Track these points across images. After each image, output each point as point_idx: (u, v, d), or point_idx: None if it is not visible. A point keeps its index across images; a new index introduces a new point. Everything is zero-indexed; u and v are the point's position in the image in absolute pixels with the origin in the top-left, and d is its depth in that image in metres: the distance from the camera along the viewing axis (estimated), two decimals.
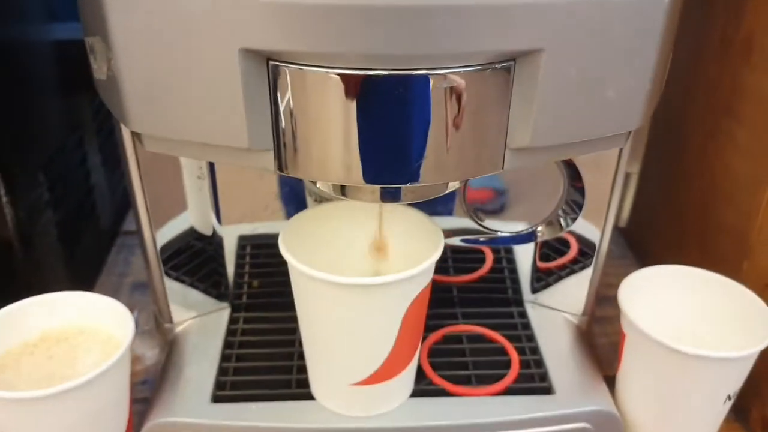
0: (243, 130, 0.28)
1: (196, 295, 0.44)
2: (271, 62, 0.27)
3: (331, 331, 0.34)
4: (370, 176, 0.29)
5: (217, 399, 0.38)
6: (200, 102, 0.27)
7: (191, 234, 0.42)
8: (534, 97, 0.28)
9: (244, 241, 0.44)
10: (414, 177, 0.29)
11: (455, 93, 0.27)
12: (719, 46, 0.46)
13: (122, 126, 0.36)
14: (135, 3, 0.26)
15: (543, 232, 0.43)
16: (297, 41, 0.26)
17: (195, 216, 0.42)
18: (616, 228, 0.58)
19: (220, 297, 0.45)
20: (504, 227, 0.43)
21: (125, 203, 0.62)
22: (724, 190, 0.46)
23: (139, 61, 0.27)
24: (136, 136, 0.31)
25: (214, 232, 0.43)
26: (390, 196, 0.32)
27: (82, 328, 0.39)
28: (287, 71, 0.27)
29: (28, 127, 0.44)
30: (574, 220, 0.42)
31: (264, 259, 0.44)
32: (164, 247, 0.41)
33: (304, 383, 0.39)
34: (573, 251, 0.44)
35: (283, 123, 0.28)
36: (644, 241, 0.57)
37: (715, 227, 0.47)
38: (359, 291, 0.33)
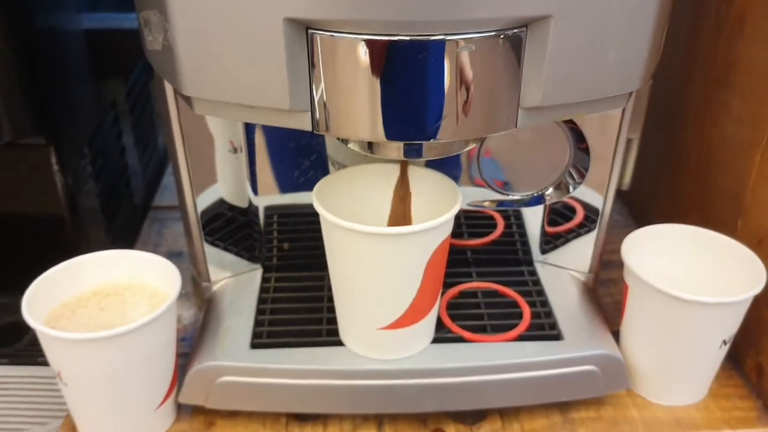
0: (285, 92, 0.31)
1: (230, 257, 0.47)
2: (309, 30, 0.30)
3: (361, 279, 0.38)
4: (393, 133, 0.32)
5: (255, 346, 0.41)
6: (247, 67, 0.31)
7: (227, 203, 0.46)
8: (544, 60, 0.31)
9: (275, 210, 0.47)
10: (433, 134, 0.32)
11: (471, 57, 0.31)
12: (714, 21, 0.49)
13: (168, 96, 0.39)
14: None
15: (551, 195, 0.47)
16: (331, 10, 0.29)
17: (230, 187, 0.45)
18: (620, 196, 0.61)
19: (252, 259, 0.48)
20: (514, 191, 0.47)
21: (155, 181, 0.66)
22: (720, 155, 0.49)
23: (193, 31, 0.31)
24: (185, 100, 0.35)
25: (250, 202, 0.46)
26: (413, 152, 0.35)
27: (130, 283, 0.42)
28: (323, 38, 0.30)
29: (73, 106, 0.47)
30: (580, 182, 0.46)
31: (292, 225, 0.48)
32: (202, 213, 0.45)
33: (334, 332, 0.42)
34: (579, 217, 0.48)
35: (318, 86, 0.32)
36: (646, 208, 0.60)
37: (712, 191, 0.50)
38: (388, 239, 0.36)
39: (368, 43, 0.30)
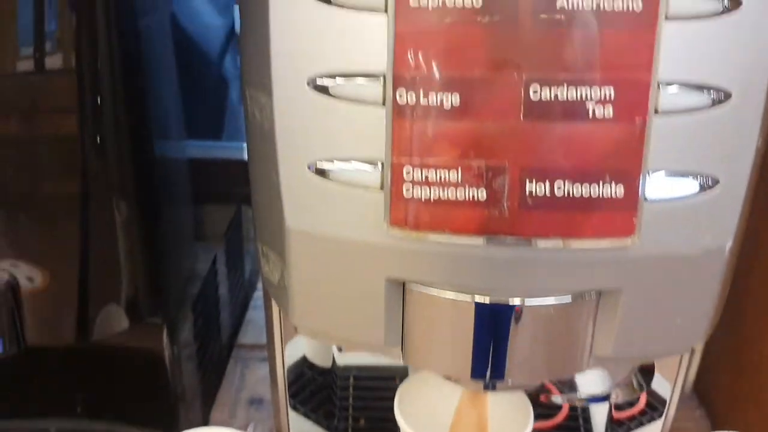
0: (380, 334, 0.35)
1: (308, 425, 0.51)
2: (406, 286, 0.35)
3: None
4: (475, 375, 0.36)
5: None
6: (351, 313, 0.35)
7: (310, 361, 0.50)
8: (615, 322, 0.35)
9: (355, 371, 0.51)
10: (510, 377, 0.36)
11: (546, 318, 0.34)
12: None
13: (275, 311, 0.44)
14: (311, 244, 0.34)
15: (618, 394, 0.49)
16: (427, 275, 0.34)
17: (313, 344, 0.49)
18: (702, 402, 0.62)
19: (330, 428, 0.52)
20: (580, 389, 0.49)
21: (241, 316, 0.71)
22: None
23: (306, 280, 0.35)
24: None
25: (334, 362, 0.50)
26: (490, 387, 0.39)
27: None
28: (418, 294, 0.35)
29: (182, 277, 0.52)
30: (647, 384, 0.48)
31: (375, 392, 0.51)
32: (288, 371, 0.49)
33: None
34: (641, 403, 0.50)
35: (411, 329, 0.36)
36: (711, 398, 0.61)
37: None
38: None
39: (457, 302, 0.34)
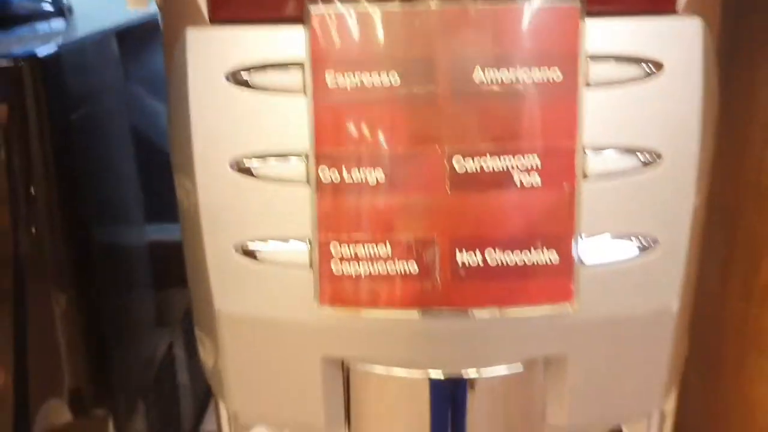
0: (321, 416, 0.34)
1: None
2: (344, 364, 0.33)
3: None
4: None
5: None
6: (288, 395, 0.34)
7: None
8: (564, 389, 0.33)
9: None
10: None
11: (494, 390, 0.33)
12: (742, 288, 0.51)
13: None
14: (242, 326, 0.33)
15: None
16: (364, 351, 0.33)
17: None
18: None
19: None
20: None
21: (206, 401, 0.69)
22: (756, 418, 0.49)
23: (239, 363, 0.34)
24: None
25: None
26: None
27: None
28: (358, 372, 0.33)
29: (132, 366, 0.51)
30: None
31: None
32: None
33: None
34: None
35: (357, 410, 0.34)
36: None
37: None
38: None
39: (399, 380, 0.33)
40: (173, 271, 0.60)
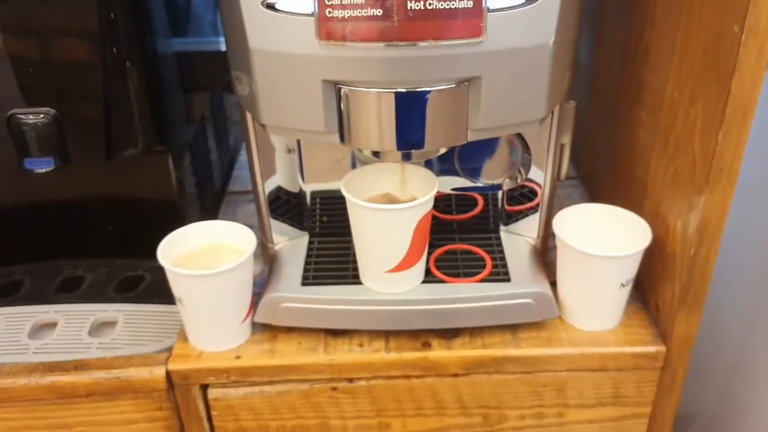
0: (321, 122, 0.52)
1: (287, 227, 0.68)
2: (337, 86, 0.51)
3: (372, 239, 0.59)
4: (400, 146, 0.52)
5: (304, 284, 0.62)
6: (300, 109, 0.51)
7: (284, 189, 0.67)
8: (480, 99, 0.51)
9: (317, 194, 0.68)
10: (419, 146, 0.52)
11: (437, 101, 0.51)
12: (632, 52, 0.68)
13: (249, 121, 0.60)
14: (268, 59, 0.50)
15: (506, 183, 0.66)
16: (352, 75, 0.50)
17: (286, 177, 0.66)
18: (583, 180, 0.81)
19: (302, 228, 0.69)
20: (481, 180, 0.66)
21: (228, 172, 0.88)
22: (636, 153, 0.68)
23: (268, 88, 0.51)
24: (261, 125, 0.55)
25: (300, 188, 0.67)
26: (407, 157, 0.55)
27: (222, 243, 0.63)
28: (347, 91, 0.51)
29: (181, 121, 0.69)
30: (525, 175, 0.65)
31: (330, 205, 0.68)
32: (268, 195, 0.66)
33: (357, 276, 0.63)
34: (538, 198, 0.67)
35: (345, 117, 0.52)
36: (598, 190, 0.79)
37: (632, 179, 0.69)
38: (388, 213, 0.57)
39: (378, 94, 0.50)
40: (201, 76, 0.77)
